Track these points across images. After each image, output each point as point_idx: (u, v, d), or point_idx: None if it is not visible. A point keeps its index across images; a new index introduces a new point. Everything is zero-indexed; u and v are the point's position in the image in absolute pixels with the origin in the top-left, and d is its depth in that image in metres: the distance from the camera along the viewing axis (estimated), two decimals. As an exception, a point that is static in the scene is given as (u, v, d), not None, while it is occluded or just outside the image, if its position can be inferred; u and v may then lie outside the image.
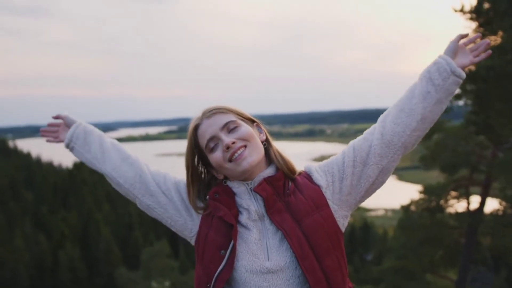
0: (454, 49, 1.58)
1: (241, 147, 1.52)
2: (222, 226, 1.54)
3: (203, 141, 1.57)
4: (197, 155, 1.61)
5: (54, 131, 1.92)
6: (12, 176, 47.17)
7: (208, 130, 1.56)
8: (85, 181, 47.69)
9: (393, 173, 1.61)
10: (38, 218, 40.04)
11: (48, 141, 1.92)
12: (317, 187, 1.56)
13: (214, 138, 1.55)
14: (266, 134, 1.63)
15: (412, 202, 13.92)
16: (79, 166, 51.31)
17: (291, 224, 1.49)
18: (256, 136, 1.57)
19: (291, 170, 1.59)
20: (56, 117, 1.90)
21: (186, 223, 1.64)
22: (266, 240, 1.51)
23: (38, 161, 68.58)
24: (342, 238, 1.56)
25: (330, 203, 1.55)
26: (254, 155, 1.53)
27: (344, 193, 1.56)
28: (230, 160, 1.52)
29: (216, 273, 1.50)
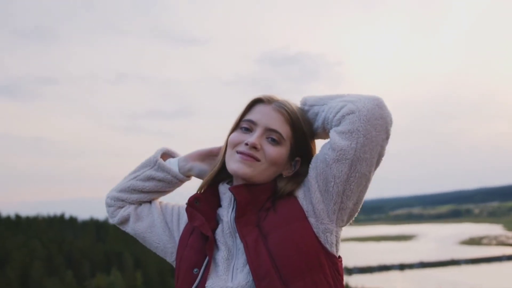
0: None
1: (256, 158, 1.33)
2: (197, 242, 1.37)
3: (247, 116, 1.40)
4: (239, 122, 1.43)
5: None
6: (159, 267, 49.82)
7: (259, 115, 1.38)
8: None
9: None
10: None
11: None
12: (293, 198, 1.34)
13: (254, 126, 1.37)
14: (293, 173, 1.40)
15: None
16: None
17: (256, 239, 1.28)
18: (280, 166, 1.37)
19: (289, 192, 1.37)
20: None
21: (166, 248, 1.53)
22: (235, 260, 1.33)
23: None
24: (326, 258, 1.29)
25: (308, 215, 1.31)
26: (254, 173, 1.34)
27: (315, 201, 1.31)
28: (237, 151, 1.36)
29: None
